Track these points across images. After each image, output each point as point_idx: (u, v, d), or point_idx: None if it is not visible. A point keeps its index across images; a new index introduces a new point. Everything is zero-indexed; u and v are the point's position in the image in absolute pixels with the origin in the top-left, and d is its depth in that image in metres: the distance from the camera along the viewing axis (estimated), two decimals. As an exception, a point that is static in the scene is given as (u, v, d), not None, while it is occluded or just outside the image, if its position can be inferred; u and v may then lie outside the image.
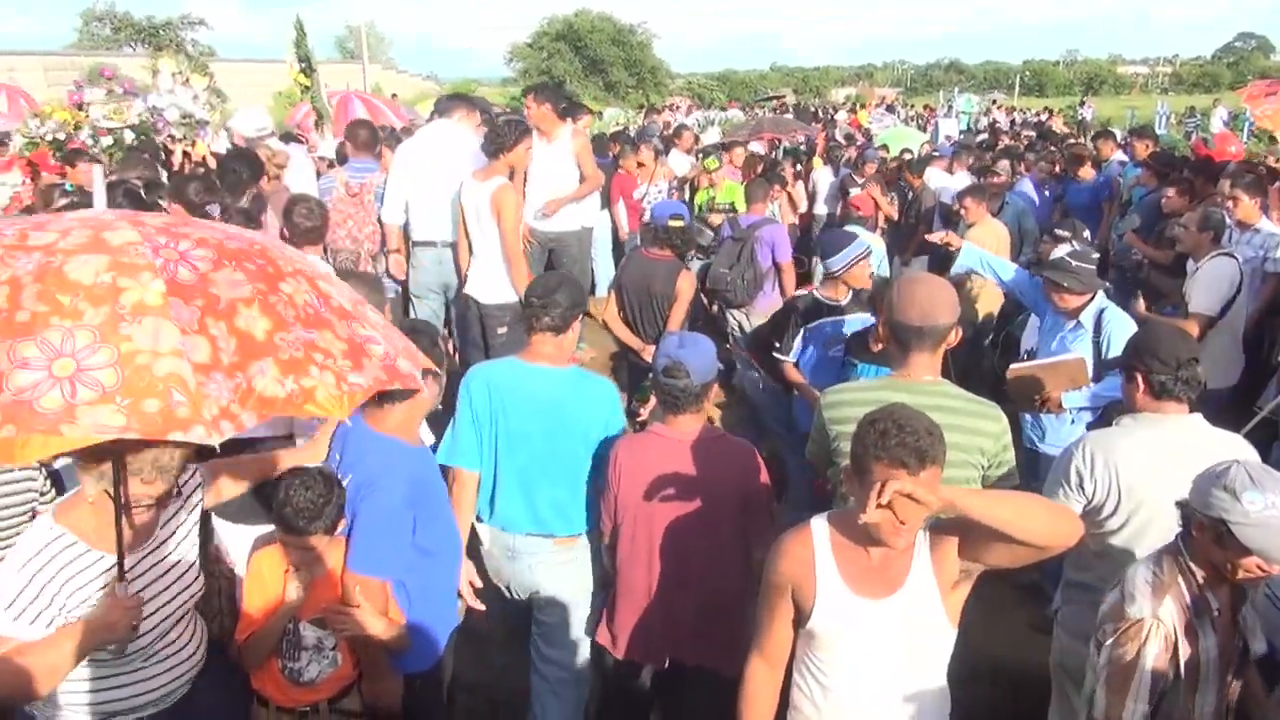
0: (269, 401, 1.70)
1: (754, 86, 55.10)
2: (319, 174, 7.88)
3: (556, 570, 3.33)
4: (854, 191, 9.14)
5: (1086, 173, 9.22)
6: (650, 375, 5.01)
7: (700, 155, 11.38)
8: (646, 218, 7.62)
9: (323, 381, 1.78)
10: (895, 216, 9.25)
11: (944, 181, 9.54)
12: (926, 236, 6.17)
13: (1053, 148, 12.06)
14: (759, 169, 10.27)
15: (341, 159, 8.09)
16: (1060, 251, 4.52)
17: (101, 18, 38.66)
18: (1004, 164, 10.21)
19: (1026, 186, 9.67)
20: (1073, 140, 13.99)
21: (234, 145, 9.28)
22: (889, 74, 76.78)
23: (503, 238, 5.24)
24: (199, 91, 13.21)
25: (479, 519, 3.44)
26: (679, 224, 5.39)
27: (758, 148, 13.05)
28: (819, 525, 2.35)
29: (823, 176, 11.04)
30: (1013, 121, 26.39)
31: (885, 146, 12.90)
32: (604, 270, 9.04)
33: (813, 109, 32.97)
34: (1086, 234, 5.95)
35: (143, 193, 5.01)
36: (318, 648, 2.63)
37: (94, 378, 1.58)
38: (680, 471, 3.03)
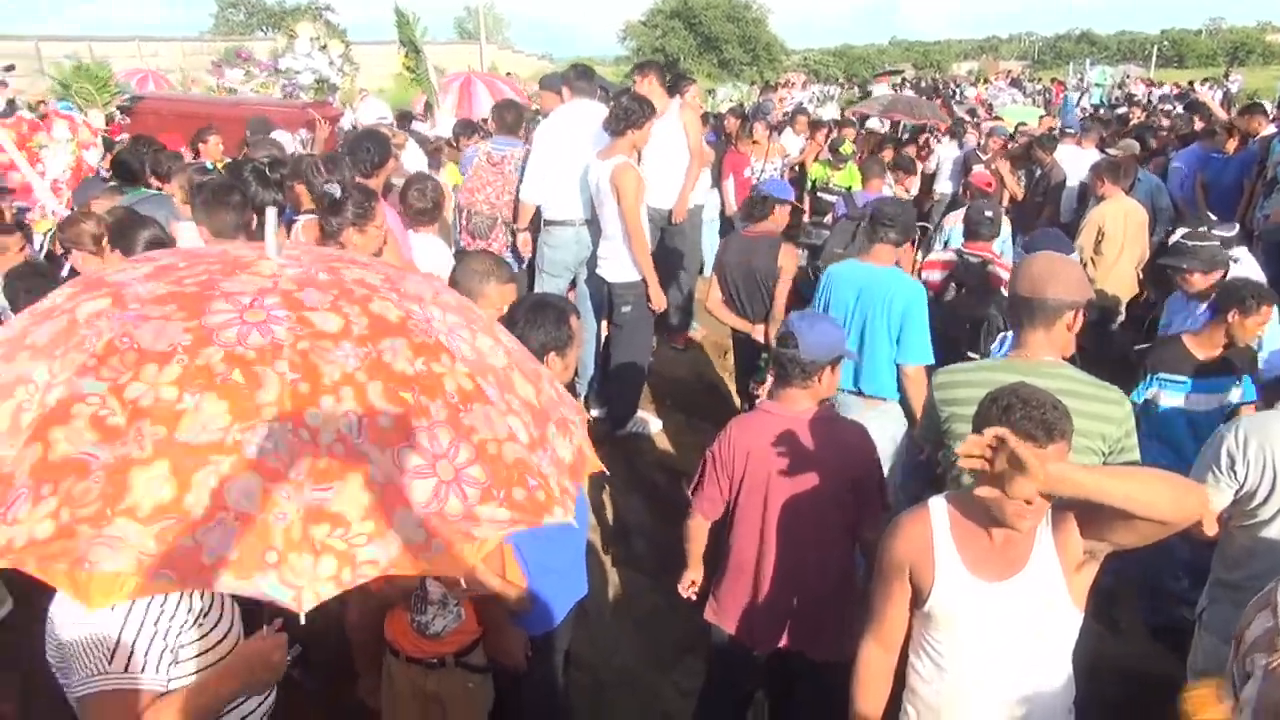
0: (573, 469, 1.67)
1: (872, 62, 53.58)
2: (436, 154, 8.12)
3: (868, 422, 3.51)
4: (977, 168, 8.87)
5: (1230, 146, 8.69)
6: (763, 355, 5.02)
7: (810, 132, 11.20)
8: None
9: (571, 446, 1.74)
10: (1020, 195, 8.93)
11: (1075, 158, 9.15)
12: None
13: (1201, 121, 11.37)
14: (877, 148, 10.08)
15: (468, 135, 8.31)
16: (1178, 234, 4.45)
17: (236, 3, 40.49)
18: (1128, 142, 9.71)
19: (1177, 165, 9.17)
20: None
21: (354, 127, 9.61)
22: (1015, 46, 73.52)
23: (623, 216, 5.28)
24: (334, 57, 13.65)
25: None
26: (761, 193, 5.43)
27: (877, 125, 12.76)
28: (937, 506, 2.31)
29: (947, 153, 10.74)
30: (1150, 95, 24.98)
31: (999, 118, 12.47)
32: (712, 250, 9.01)
33: (932, 82, 31.96)
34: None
35: (268, 170, 5.21)
36: (442, 603, 2.73)
37: (470, 476, 1.51)
38: (791, 449, 3.01)
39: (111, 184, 5.53)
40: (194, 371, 1.47)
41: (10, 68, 14.37)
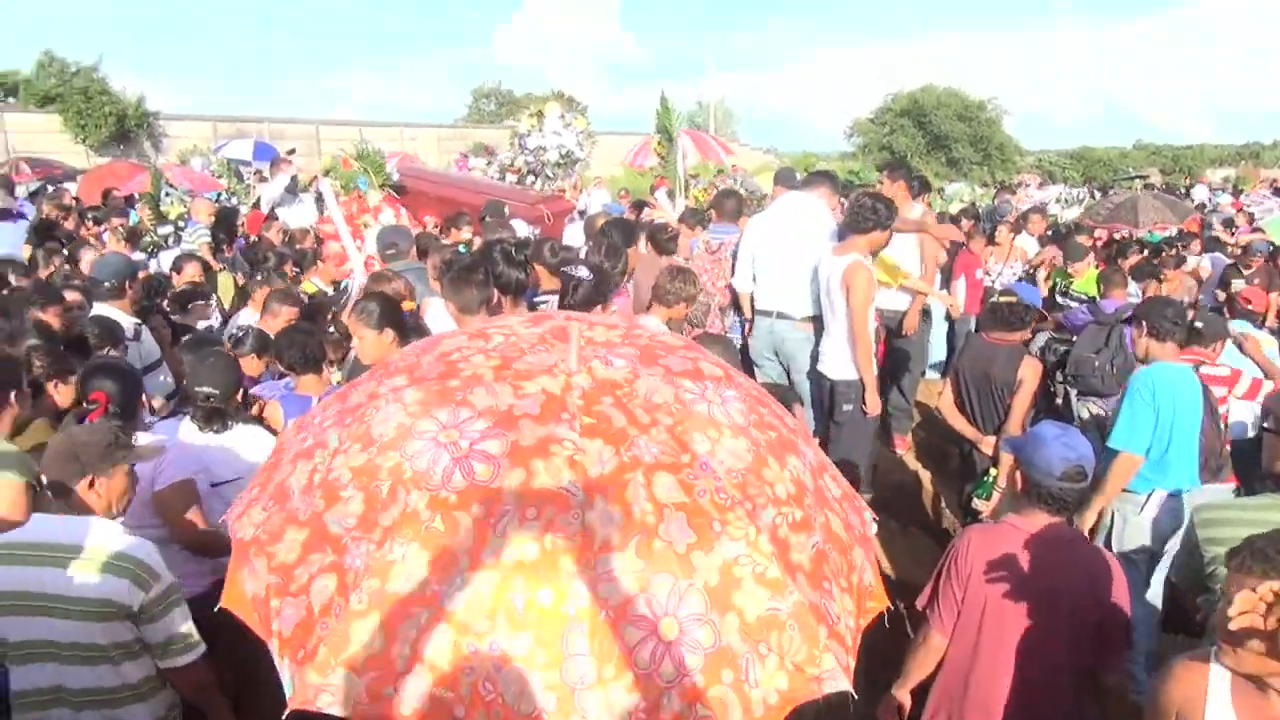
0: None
1: (1113, 165, 50.94)
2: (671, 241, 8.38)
3: None
4: (1238, 284, 8.17)
5: None
6: (990, 469, 4.76)
7: (1047, 237, 10.73)
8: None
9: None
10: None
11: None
12: None
13: None
14: (1117, 255, 9.52)
15: (691, 223, 8.58)
16: None
17: (489, 95, 44.01)
18: None
19: None
20: None
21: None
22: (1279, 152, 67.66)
23: (850, 314, 5.22)
24: (578, 133, 14.73)
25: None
26: (1011, 298, 5.11)
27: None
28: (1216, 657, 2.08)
29: (1202, 267, 10.01)
30: None
31: (1260, 229, 11.47)
32: (939, 351, 8.72)
33: (1185, 190, 29.91)
34: None
35: (514, 251, 5.54)
36: None
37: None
38: (1034, 571, 2.83)
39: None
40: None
41: (292, 151, 16.22)
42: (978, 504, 4.75)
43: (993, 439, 4.94)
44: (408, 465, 1.62)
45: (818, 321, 5.69)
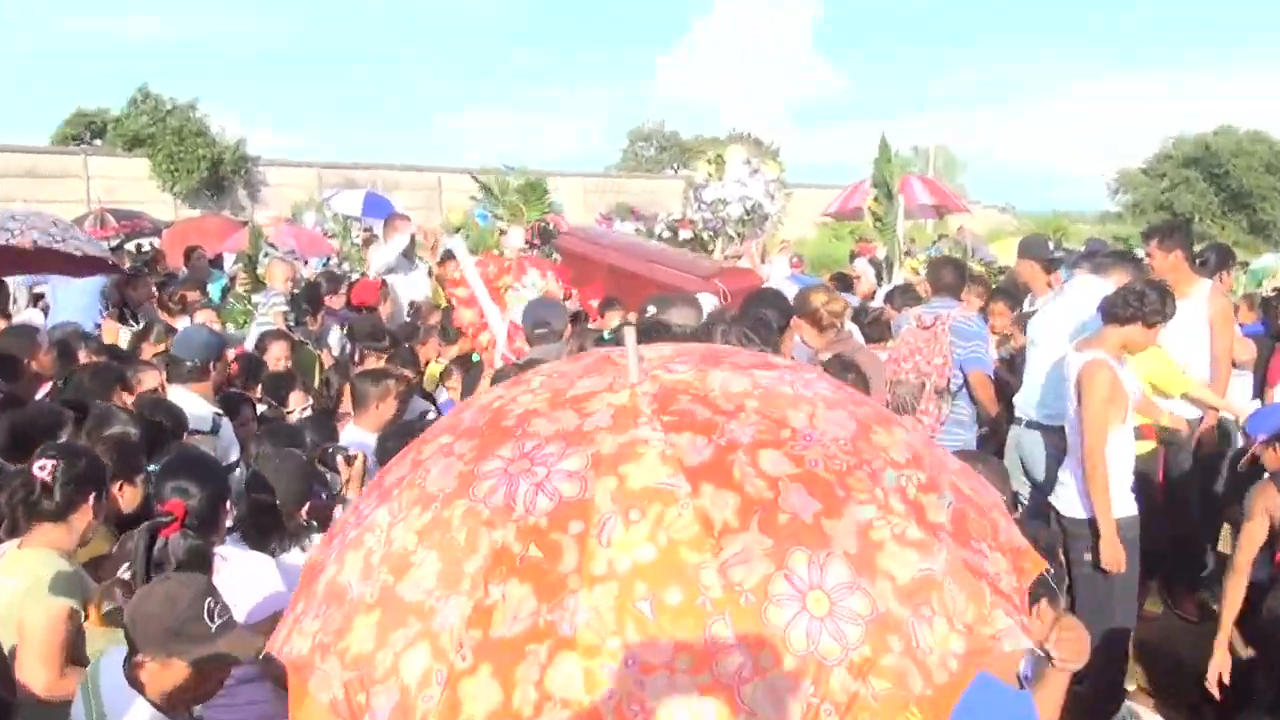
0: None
1: None
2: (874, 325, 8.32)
3: None
4: None
5: None
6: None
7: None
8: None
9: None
10: None
11: None
12: None
13: None
14: None
15: (897, 300, 8.53)
16: None
17: (648, 137, 45.35)
18: None
19: None
20: None
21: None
22: None
23: (1081, 425, 5.02)
24: (768, 182, 14.50)
25: None
26: None
27: None
28: None
29: None
30: None
31: None
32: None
33: None
34: None
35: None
36: None
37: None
38: None
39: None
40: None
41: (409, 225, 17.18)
42: None
43: None
44: (482, 506, 1.75)
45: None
